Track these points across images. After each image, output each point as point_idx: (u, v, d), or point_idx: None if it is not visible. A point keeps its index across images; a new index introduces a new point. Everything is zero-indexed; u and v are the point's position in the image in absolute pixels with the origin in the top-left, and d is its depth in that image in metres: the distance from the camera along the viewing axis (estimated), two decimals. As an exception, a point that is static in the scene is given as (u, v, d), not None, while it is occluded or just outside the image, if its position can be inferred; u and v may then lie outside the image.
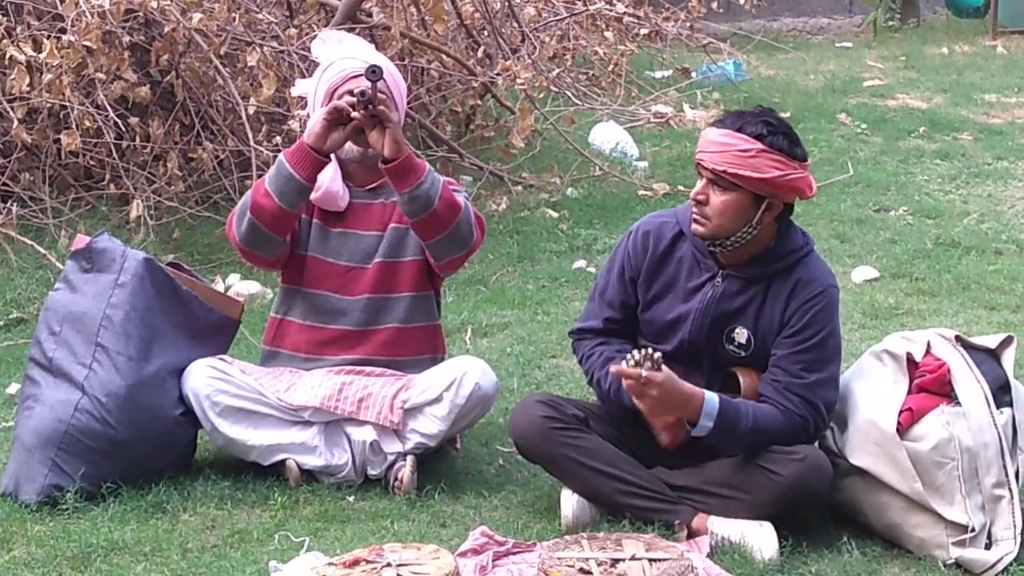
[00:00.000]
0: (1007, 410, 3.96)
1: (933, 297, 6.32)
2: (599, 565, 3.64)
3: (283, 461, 4.36)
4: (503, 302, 6.28)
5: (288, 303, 4.55)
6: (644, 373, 3.79)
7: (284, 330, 4.54)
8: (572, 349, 4.35)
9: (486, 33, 8.89)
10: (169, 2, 6.68)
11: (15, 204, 6.69)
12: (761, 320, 4.02)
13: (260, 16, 7.38)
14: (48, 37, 6.58)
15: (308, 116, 4.64)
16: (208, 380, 4.33)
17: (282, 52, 7.22)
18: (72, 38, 6.44)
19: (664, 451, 4.13)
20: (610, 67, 9.78)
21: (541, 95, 8.90)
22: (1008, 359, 4.05)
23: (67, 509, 4.14)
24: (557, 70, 9.12)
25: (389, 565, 3.63)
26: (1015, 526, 3.87)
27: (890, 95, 11.04)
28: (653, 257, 4.12)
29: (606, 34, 10.02)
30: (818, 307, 3.98)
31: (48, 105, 6.64)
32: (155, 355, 4.35)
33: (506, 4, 8.98)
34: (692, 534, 3.99)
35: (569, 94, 9.31)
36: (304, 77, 4.72)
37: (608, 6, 9.76)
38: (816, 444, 4.06)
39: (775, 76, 11.79)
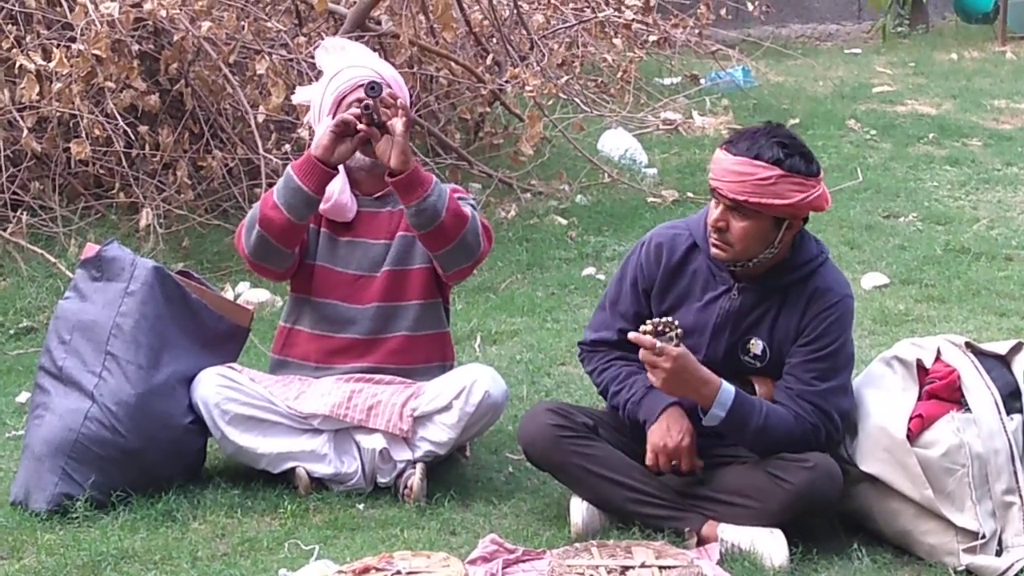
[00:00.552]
0: (1017, 416, 3.95)
1: (943, 303, 6.31)
2: (609, 573, 3.64)
3: (293, 469, 4.36)
4: (512, 309, 6.28)
5: (297, 312, 4.56)
6: (658, 344, 3.78)
7: (293, 339, 4.55)
8: (580, 359, 4.33)
9: (495, 40, 8.89)
10: (178, 11, 6.69)
11: (25, 213, 6.70)
12: (776, 330, 4.01)
13: (269, 24, 7.39)
14: (58, 46, 6.59)
15: (311, 124, 4.65)
16: (217, 388, 4.33)
17: (291, 60, 7.23)
18: (81, 47, 6.45)
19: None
20: (619, 74, 9.77)
21: (550, 102, 8.91)
22: (1018, 365, 4.04)
23: (77, 518, 4.15)
24: (566, 77, 9.12)
25: (399, 573, 3.64)
26: (1026, 533, 3.87)
27: (899, 101, 11.03)
28: (667, 269, 4.11)
29: (615, 41, 10.02)
30: (834, 317, 3.98)
31: (58, 114, 6.65)
32: (165, 363, 4.35)
33: (515, 11, 8.98)
34: (702, 541, 3.99)
35: (578, 101, 9.31)
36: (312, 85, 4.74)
37: (617, 13, 9.76)
38: (829, 452, 4.05)
39: (784, 82, 11.78)
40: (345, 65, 4.54)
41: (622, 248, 6.91)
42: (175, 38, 6.84)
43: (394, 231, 4.48)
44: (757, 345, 4.04)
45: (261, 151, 6.85)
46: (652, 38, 10.43)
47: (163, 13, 6.62)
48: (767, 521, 3.94)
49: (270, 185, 6.65)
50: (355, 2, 7.68)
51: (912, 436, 3.90)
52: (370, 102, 4.28)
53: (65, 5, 6.78)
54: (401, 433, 4.33)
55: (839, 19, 15.90)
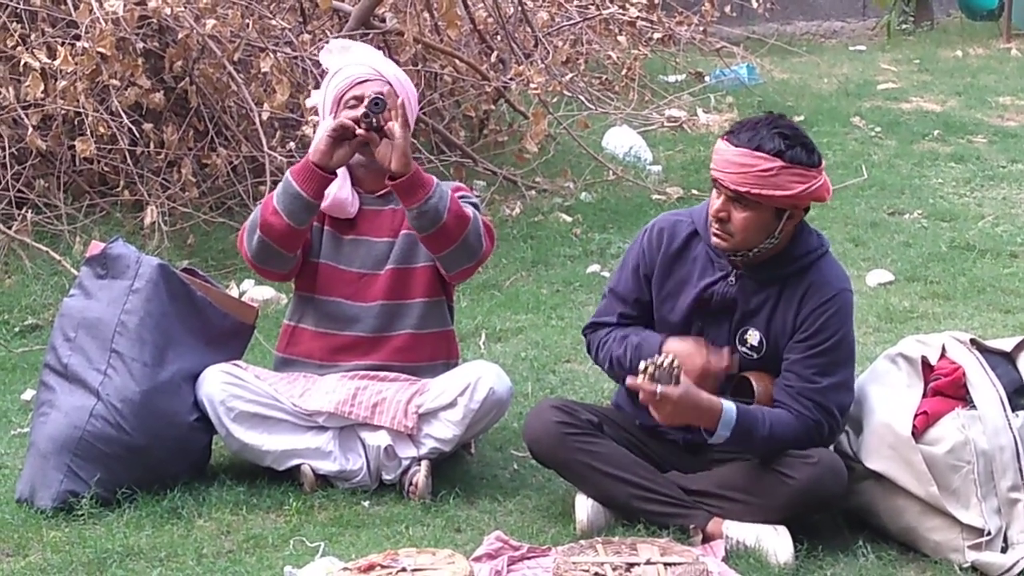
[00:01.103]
0: (1023, 413, 3.95)
1: (948, 300, 6.31)
2: (614, 570, 3.64)
3: (298, 466, 4.36)
4: (517, 307, 6.28)
5: (301, 310, 4.56)
6: (660, 389, 3.78)
7: (298, 337, 4.55)
8: (586, 345, 4.33)
9: (499, 38, 8.89)
10: (183, 8, 6.69)
11: (30, 211, 6.71)
12: (774, 322, 4.01)
13: (273, 22, 7.39)
14: (62, 44, 6.60)
15: (320, 122, 4.64)
16: (222, 386, 4.33)
17: (296, 58, 7.23)
18: (86, 45, 6.45)
19: (679, 456, 4.13)
20: (623, 71, 9.77)
21: (554, 100, 8.90)
22: (1024, 362, 4.04)
23: (82, 515, 4.15)
24: (570, 74, 9.11)
25: (404, 570, 3.64)
26: (1031, 529, 3.87)
27: (904, 98, 11.02)
28: (667, 254, 4.11)
29: (619, 38, 10.02)
30: (831, 311, 3.97)
31: (62, 112, 6.66)
32: (170, 361, 4.36)
33: (519, 9, 8.98)
34: (707, 538, 3.99)
35: (582, 98, 9.30)
36: (318, 83, 4.73)
37: (621, 10, 9.76)
38: (831, 448, 4.06)
39: (789, 80, 11.77)
40: (345, 64, 4.54)
41: (627, 245, 6.83)
42: (180, 36, 6.84)
43: (397, 229, 4.48)
44: (754, 336, 4.04)
45: (266, 149, 6.86)
46: (657, 35, 10.43)
47: (167, 11, 6.62)
48: (772, 518, 3.94)
49: (274, 183, 6.65)
50: (359, -1, 7.68)
51: (917, 433, 3.90)
52: (368, 111, 4.27)
53: (70, 3, 6.78)
54: (406, 430, 4.33)
55: (844, 16, 15.88)
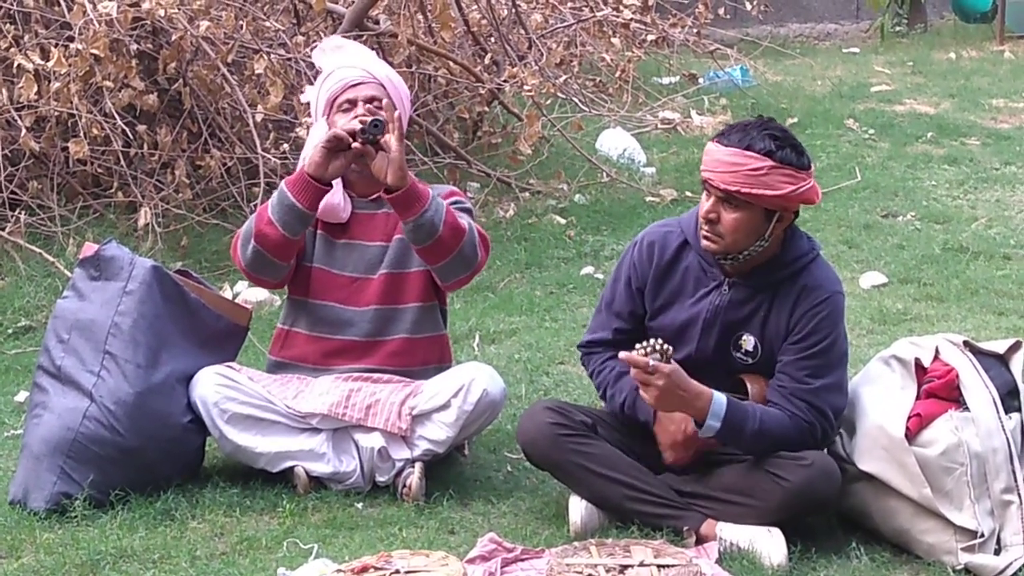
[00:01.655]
0: (1016, 415, 3.95)
1: (941, 302, 6.32)
2: (608, 571, 3.64)
3: (291, 468, 4.36)
4: (511, 308, 6.28)
5: (295, 315, 4.55)
6: (651, 362, 3.79)
7: (291, 341, 4.55)
8: (582, 363, 4.35)
9: (493, 40, 8.89)
10: (176, 10, 6.68)
11: (23, 212, 6.70)
12: (768, 327, 4.02)
13: (267, 24, 7.39)
14: (56, 45, 6.60)
15: (313, 124, 4.64)
16: (216, 387, 4.33)
17: (289, 60, 7.23)
18: (80, 46, 6.45)
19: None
20: (617, 73, 9.77)
21: (548, 101, 8.91)
22: (1017, 364, 4.04)
23: (76, 517, 4.14)
24: (564, 76, 9.12)
25: (397, 572, 3.64)
26: (1024, 531, 3.87)
27: (897, 100, 11.03)
28: (658, 267, 4.12)
29: (613, 40, 10.02)
30: (823, 313, 3.98)
31: (56, 113, 6.65)
32: (163, 362, 4.35)
33: (513, 11, 8.98)
34: (701, 540, 3.99)
35: (576, 100, 9.32)
36: (311, 84, 4.74)
37: (615, 12, 9.76)
38: (825, 450, 4.06)
39: (782, 82, 11.78)
40: (338, 65, 4.53)
41: (620, 247, 6.90)
42: (173, 37, 6.84)
43: (391, 233, 4.47)
44: (749, 341, 4.05)
45: (259, 150, 6.86)
46: (650, 37, 10.44)
47: (161, 12, 6.61)
48: (765, 520, 3.94)
49: (268, 184, 6.67)
50: (353, 2, 7.68)
51: (910, 435, 3.90)
52: (367, 130, 4.26)
53: (63, 4, 6.78)
54: (400, 432, 4.33)
55: (837, 18, 15.91)
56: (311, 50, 6.95)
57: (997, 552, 3.87)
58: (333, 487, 4.37)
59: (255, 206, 6.56)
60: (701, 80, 10.75)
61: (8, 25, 6.77)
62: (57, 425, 4.23)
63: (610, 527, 4.06)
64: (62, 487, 4.19)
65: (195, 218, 6.99)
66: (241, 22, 7.17)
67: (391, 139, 4.26)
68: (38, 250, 6.45)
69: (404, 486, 4.32)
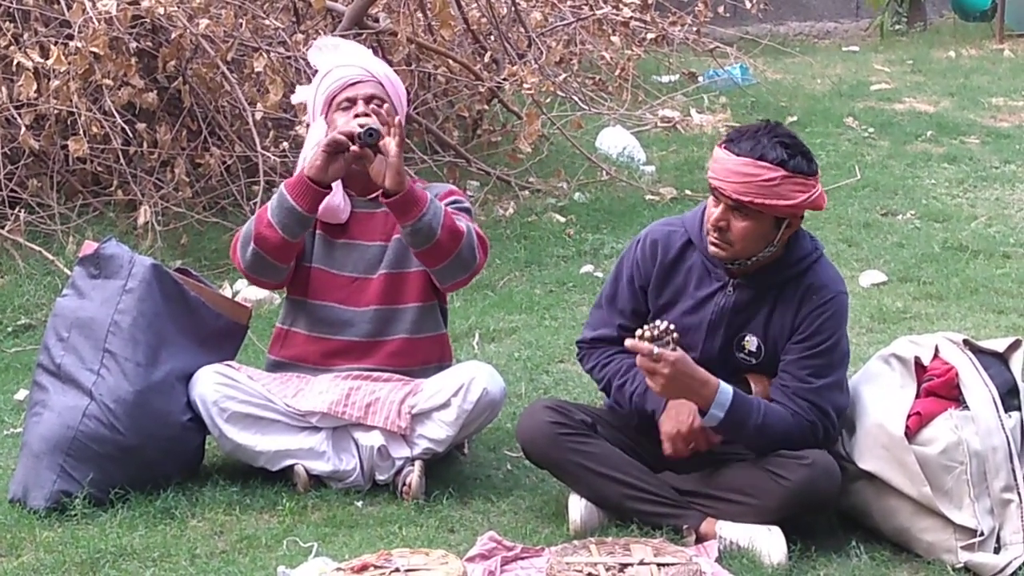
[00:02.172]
0: (1015, 414, 3.95)
1: (941, 301, 6.31)
2: (607, 570, 3.64)
3: (291, 466, 4.36)
4: (510, 307, 6.28)
5: (293, 314, 4.55)
6: (656, 349, 3.77)
7: (291, 341, 4.54)
8: (579, 358, 4.32)
9: (493, 38, 8.89)
10: (176, 8, 6.68)
11: (23, 210, 6.70)
12: (771, 327, 4.02)
13: (267, 22, 7.39)
14: (55, 43, 6.59)
15: (309, 124, 4.64)
16: (215, 386, 4.33)
17: (289, 58, 7.23)
18: (79, 44, 6.44)
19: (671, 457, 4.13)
20: (617, 72, 9.76)
21: (548, 100, 8.90)
22: (1016, 363, 4.04)
23: (75, 515, 4.15)
24: (564, 75, 9.11)
25: (397, 570, 3.63)
26: (1024, 530, 3.87)
27: (897, 99, 11.02)
28: (662, 266, 4.11)
29: (613, 39, 10.01)
30: (828, 314, 3.98)
31: (55, 111, 6.65)
32: (163, 361, 4.35)
33: (513, 9, 8.97)
34: (700, 539, 3.99)
35: (576, 99, 9.31)
36: (310, 83, 4.74)
37: (615, 11, 9.75)
38: (826, 449, 4.06)
39: (782, 80, 11.77)
40: (336, 64, 4.52)
41: (620, 245, 6.90)
42: (173, 35, 6.83)
43: (390, 233, 4.46)
44: (752, 342, 4.04)
45: (259, 148, 6.85)
46: (650, 36, 10.42)
47: (161, 10, 6.61)
48: (765, 518, 3.94)
49: (268, 183, 6.67)
50: (353, -1, 7.68)
51: (910, 433, 3.90)
52: (370, 121, 4.26)
53: (63, 2, 6.77)
54: (399, 431, 4.33)
55: (837, 17, 15.89)
56: (309, 48, 6.97)
57: (997, 551, 3.87)
58: (333, 485, 4.37)
59: (255, 204, 6.57)
60: (701, 78, 10.74)
61: (8, 23, 6.77)
62: (57, 423, 4.23)
63: (610, 526, 4.06)
64: (62, 485, 4.19)
65: (195, 216, 6.99)
66: (241, 20, 7.17)
67: (390, 143, 4.25)
68: (38, 248, 6.45)
69: (404, 484, 4.31)
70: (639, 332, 3.82)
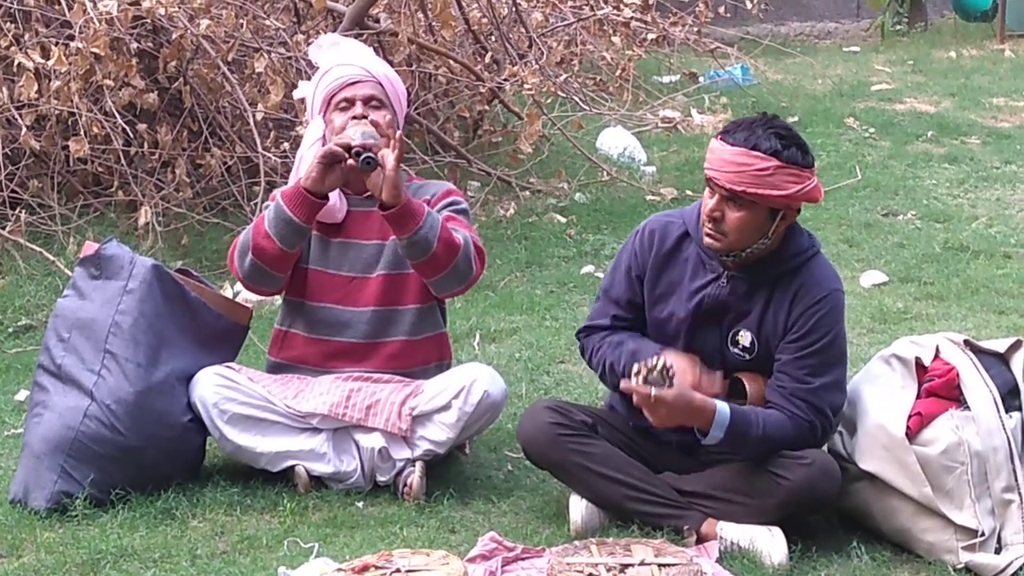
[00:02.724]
0: (1016, 414, 3.95)
1: (942, 301, 6.31)
2: (608, 571, 3.64)
3: (292, 467, 4.36)
4: (511, 307, 6.27)
5: (292, 316, 4.54)
6: (654, 392, 3.78)
7: (290, 342, 4.53)
8: (580, 349, 4.33)
9: (493, 39, 8.89)
10: (177, 9, 6.68)
11: (24, 211, 6.70)
12: (765, 323, 4.01)
13: (268, 22, 7.39)
14: (56, 44, 6.59)
15: (309, 121, 4.62)
16: (215, 388, 4.33)
17: (290, 58, 7.23)
18: (80, 45, 6.44)
19: (673, 456, 4.13)
20: (617, 72, 9.77)
21: (549, 100, 8.90)
22: (1017, 363, 4.04)
23: (76, 516, 4.15)
24: (564, 75, 9.12)
25: (398, 571, 3.64)
26: (1025, 530, 3.87)
27: (898, 99, 11.03)
28: (658, 255, 4.11)
29: (613, 39, 10.01)
30: (822, 312, 3.97)
31: (56, 112, 6.65)
32: (164, 361, 4.35)
33: (513, 10, 8.98)
34: (701, 539, 3.99)
35: (577, 99, 9.31)
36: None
37: (615, 11, 9.75)
38: (825, 448, 4.06)
39: (783, 80, 11.77)
40: (336, 63, 4.52)
41: (621, 246, 6.88)
42: (174, 36, 6.84)
43: (387, 232, 4.43)
44: (746, 337, 4.04)
45: (260, 149, 6.85)
46: (651, 36, 10.42)
47: (162, 11, 6.61)
48: (766, 518, 3.94)
49: (269, 183, 6.67)
50: (354, 0, 7.68)
51: (911, 434, 3.90)
52: (366, 140, 4.24)
53: (64, 3, 6.77)
54: (400, 432, 4.33)
55: (838, 17, 15.90)
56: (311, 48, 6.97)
57: (998, 551, 3.87)
58: (334, 486, 4.37)
59: (256, 205, 6.57)
60: (701, 79, 10.74)
61: (8, 23, 6.77)
62: (58, 424, 4.23)
63: (610, 526, 4.06)
64: (63, 486, 4.19)
65: (195, 217, 6.99)
66: (241, 20, 7.16)
67: (388, 157, 4.22)
68: (38, 249, 6.45)
69: (405, 485, 4.31)
70: (635, 370, 3.82)
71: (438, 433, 4.33)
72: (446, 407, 4.31)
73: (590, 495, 4.08)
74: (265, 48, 7.13)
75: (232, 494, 4.32)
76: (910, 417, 3.93)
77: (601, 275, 6.65)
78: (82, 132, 6.54)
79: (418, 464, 4.33)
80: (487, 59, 8.55)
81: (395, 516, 4.20)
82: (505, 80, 8.12)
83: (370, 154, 4.23)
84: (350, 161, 4.25)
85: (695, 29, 10.97)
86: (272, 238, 4.31)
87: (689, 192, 7.94)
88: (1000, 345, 4.10)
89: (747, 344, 4.04)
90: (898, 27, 14.91)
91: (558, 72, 9.02)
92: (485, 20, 8.88)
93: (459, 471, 4.54)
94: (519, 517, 4.22)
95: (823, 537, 4.04)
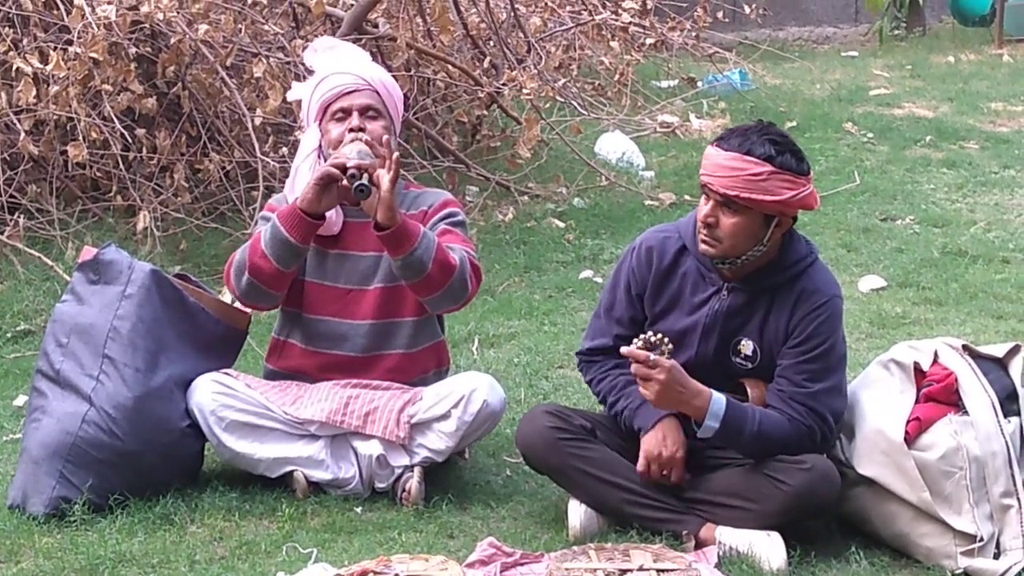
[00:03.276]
0: (1015, 419, 3.96)
1: (940, 306, 6.32)
2: (607, 576, 3.64)
3: (291, 473, 4.35)
4: (510, 312, 6.28)
5: (289, 327, 4.53)
6: (652, 356, 3.79)
7: (287, 352, 4.52)
8: (580, 369, 4.33)
9: (492, 43, 8.89)
10: (175, 14, 6.69)
11: (22, 216, 6.70)
12: (766, 331, 4.02)
13: (266, 27, 7.38)
14: (55, 49, 6.59)
15: (305, 128, 4.61)
16: (213, 396, 4.32)
17: (288, 63, 7.22)
18: (78, 50, 6.45)
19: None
20: (616, 77, 9.77)
21: (547, 105, 8.90)
22: (1016, 368, 4.04)
23: (75, 521, 4.14)
24: (563, 80, 9.11)
25: (397, 576, 3.64)
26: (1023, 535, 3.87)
27: (896, 104, 11.03)
28: (658, 272, 4.11)
29: (612, 44, 10.02)
30: (822, 318, 3.98)
31: (55, 117, 6.65)
32: (162, 367, 4.35)
33: (512, 14, 8.98)
34: (700, 544, 3.99)
35: (575, 104, 9.31)
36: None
37: (614, 16, 9.76)
38: (824, 454, 4.06)
39: (781, 85, 11.78)
40: (332, 71, 4.49)
41: (619, 251, 6.90)
42: (172, 41, 6.84)
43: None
44: (748, 346, 4.05)
45: (258, 154, 6.85)
46: (649, 41, 10.42)
47: (160, 16, 6.61)
48: (765, 523, 3.94)
49: (267, 188, 6.67)
50: (352, 5, 7.68)
51: (910, 439, 3.91)
52: (362, 162, 4.22)
53: (62, 8, 6.77)
54: (398, 440, 4.32)
55: (836, 22, 15.90)
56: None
57: (996, 556, 3.87)
58: (332, 493, 4.36)
59: (254, 210, 6.57)
60: (700, 84, 10.74)
61: (7, 28, 6.77)
62: (56, 429, 4.23)
63: (609, 531, 4.06)
64: (61, 491, 4.19)
65: (194, 222, 6.99)
66: (240, 25, 7.16)
67: (384, 177, 4.18)
68: (37, 254, 6.44)
69: (403, 490, 4.31)
70: (635, 341, 3.84)
71: (437, 442, 4.33)
72: (445, 416, 4.31)
73: (589, 499, 4.08)
74: (264, 53, 7.13)
75: (231, 499, 4.31)
76: (909, 422, 3.93)
77: (600, 280, 6.66)
78: (81, 137, 6.54)
79: (416, 470, 4.32)
80: (485, 64, 8.55)
81: (394, 521, 4.20)
82: (503, 85, 8.12)
83: (363, 182, 4.18)
84: (345, 182, 4.24)
85: (693, 34, 10.97)
86: (269, 258, 4.29)
87: (687, 197, 7.94)
88: (998, 350, 4.10)
89: (749, 353, 4.04)
90: (896, 32, 14.92)
91: (556, 77, 9.02)
92: (483, 25, 8.88)
93: (458, 476, 4.53)
94: (518, 522, 4.22)
95: (822, 542, 4.04)
